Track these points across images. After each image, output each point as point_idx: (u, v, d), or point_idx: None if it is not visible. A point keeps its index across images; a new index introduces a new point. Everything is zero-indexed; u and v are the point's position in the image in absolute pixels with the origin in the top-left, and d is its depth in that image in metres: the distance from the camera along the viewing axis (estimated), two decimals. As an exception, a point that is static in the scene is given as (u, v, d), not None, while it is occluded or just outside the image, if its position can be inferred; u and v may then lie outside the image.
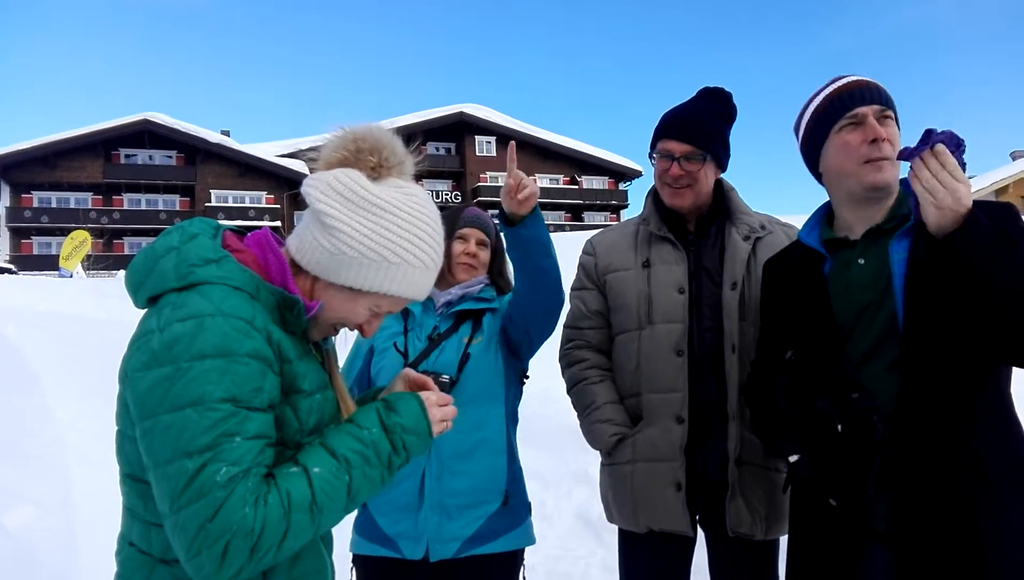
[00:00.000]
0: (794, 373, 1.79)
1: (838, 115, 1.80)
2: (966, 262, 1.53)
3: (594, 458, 2.47)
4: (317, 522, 1.19)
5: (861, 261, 1.79)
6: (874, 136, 1.74)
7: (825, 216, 1.94)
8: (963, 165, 1.54)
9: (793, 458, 1.84)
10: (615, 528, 2.45)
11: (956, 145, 1.54)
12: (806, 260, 1.89)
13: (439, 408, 1.39)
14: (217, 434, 1.11)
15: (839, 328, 1.78)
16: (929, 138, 1.55)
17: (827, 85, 1.86)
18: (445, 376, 2.18)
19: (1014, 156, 29.43)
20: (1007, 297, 1.51)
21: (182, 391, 1.12)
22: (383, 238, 1.28)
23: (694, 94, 2.37)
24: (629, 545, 2.39)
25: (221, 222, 1.39)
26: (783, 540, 2.32)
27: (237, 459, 1.12)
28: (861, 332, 1.76)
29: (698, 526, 2.31)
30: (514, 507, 2.27)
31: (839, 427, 1.69)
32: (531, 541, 2.31)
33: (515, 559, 2.28)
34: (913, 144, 1.59)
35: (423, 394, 1.40)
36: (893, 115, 1.80)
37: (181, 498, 1.10)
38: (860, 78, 1.83)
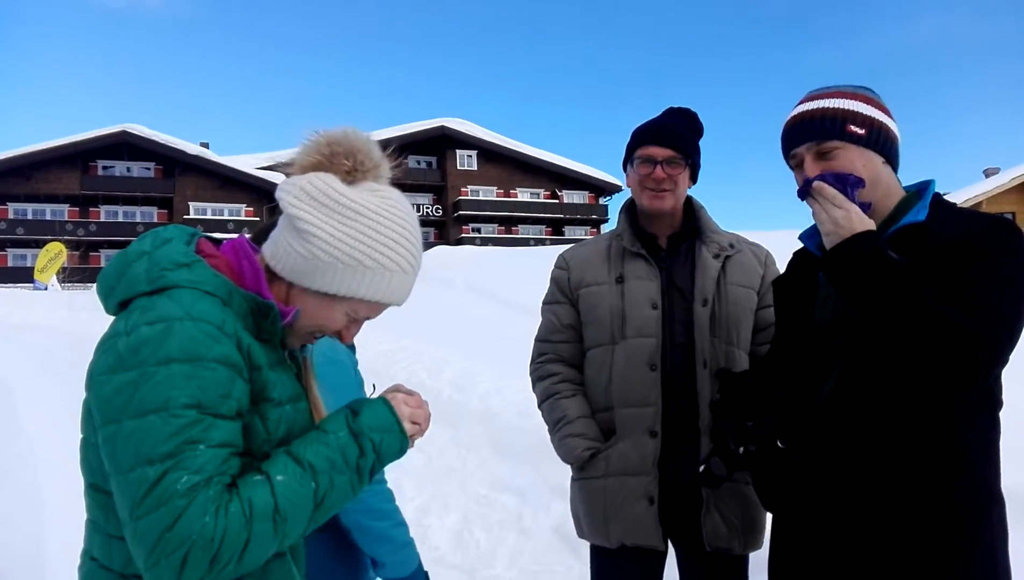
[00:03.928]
0: (723, 390, 1.96)
1: (785, 155, 1.82)
2: (833, 281, 1.65)
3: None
4: (281, 532, 1.16)
5: None
6: (809, 178, 1.76)
7: None
8: (852, 197, 1.67)
9: (702, 467, 2.04)
10: (590, 543, 2.44)
11: (841, 181, 1.68)
12: (806, 263, 1.91)
13: (409, 408, 1.34)
14: (180, 441, 1.09)
15: (811, 338, 1.80)
16: (811, 179, 1.72)
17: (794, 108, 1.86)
18: None
19: (987, 173, 29.93)
20: (886, 319, 1.55)
21: (146, 396, 1.10)
22: (357, 242, 1.26)
23: (661, 112, 2.45)
24: (601, 561, 2.38)
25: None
26: (752, 556, 2.34)
27: (199, 467, 1.09)
28: (827, 345, 1.77)
29: (668, 542, 2.30)
30: None
31: (740, 450, 1.92)
32: None
33: None
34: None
35: (388, 394, 1.36)
36: (843, 137, 1.71)
37: (141, 506, 1.07)
38: (799, 110, 1.78)
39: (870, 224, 1.62)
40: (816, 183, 1.68)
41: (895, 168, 1.79)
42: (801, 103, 1.80)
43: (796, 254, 1.99)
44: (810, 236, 1.88)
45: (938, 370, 1.53)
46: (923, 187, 1.80)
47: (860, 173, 1.71)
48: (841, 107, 1.73)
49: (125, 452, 1.10)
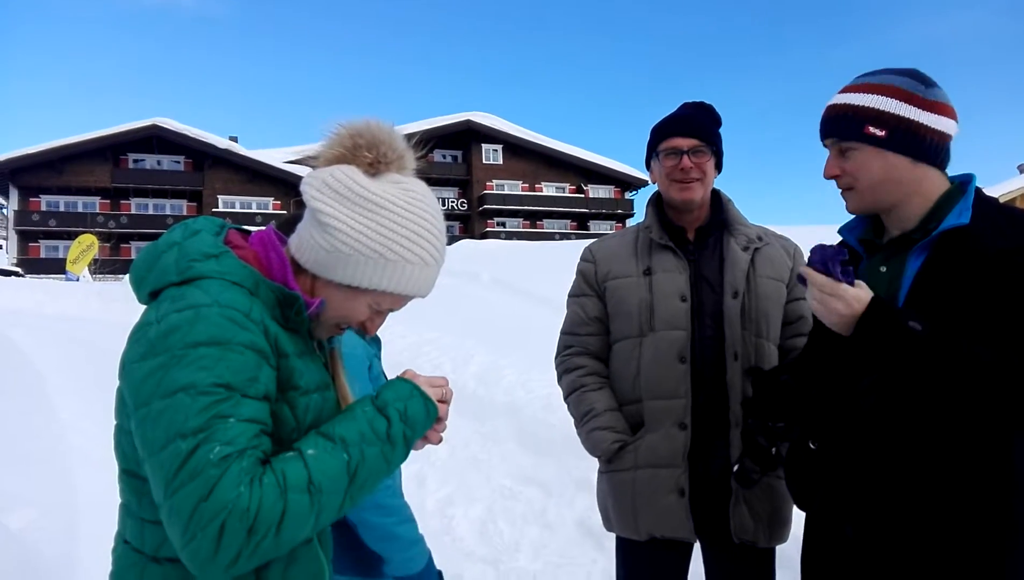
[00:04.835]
0: (754, 388, 1.92)
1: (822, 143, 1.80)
2: (877, 360, 1.60)
3: (596, 465, 2.46)
4: (317, 504, 1.15)
5: (883, 269, 1.74)
6: (826, 176, 1.75)
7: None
8: (842, 272, 1.61)
9: (736, 467, 2.02)
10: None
11: (822, 262, 1.63)
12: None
13: (424, 376, 1.36)
14: (210, 415, 1.10)
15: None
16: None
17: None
18: None
19: (1021, 169, 29.33)
20: (935, 388, 1.53)
21: (175, 377, 1.12)
22: (379, 235, 1.26)
23: (676, 108, 2.44)
24: (628, 553, 2.38)
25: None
26: (779, 549, 2.33)
27: (231, 439, 1.10)
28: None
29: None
30: None
31: (772, 450, 1.90)
32: None
33: None
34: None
35: (404, 372, 1.38)
36: (860, 138, 1.68)
37: (175, 480, 1.08)
38: (831, 101, 1.74)
39: (865, 296, 1.58)
40: (804, 270, 1.65)
41: (937, 164, 1.70)
42: (840, 92, 1.75)
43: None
44: (850, 229, 1.85)
45: (1001, 413, 1.50)
46: (965, 181, 1.72)
47: (875, 175, 1.68)
48: (863, 105, 1.68)
49: (156, 431, 1.11)
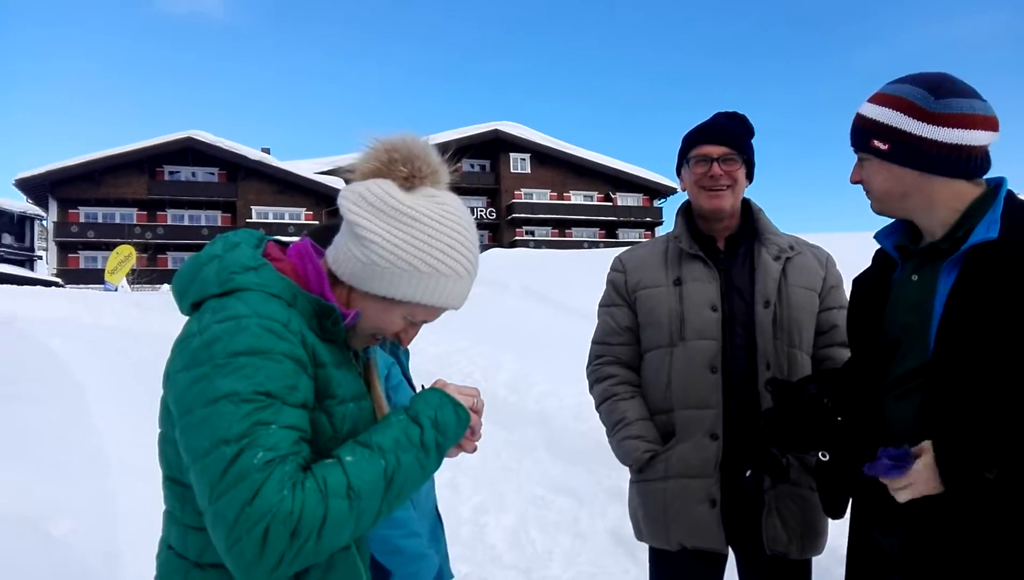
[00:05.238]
0: (774, 399, 1.93)
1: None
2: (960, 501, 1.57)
3: (628, 474, 2.46)
4: (356, 510, 1.18)
5: (915, 277, 1.71)
6: (850, 181, 1.79)
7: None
8: (895, 467, 1.56)
9: (748, 473, 2.03)
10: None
11: (885, 467, 1.57)
12: (882, 263, 1.86)
13: (453, 385, 1.39)
14: (252, 422, 1.14)
15: (882, 344, 1.74)
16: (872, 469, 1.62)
17: None
18: None
19: (1062, 172, 28.73)
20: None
21: (218, 386, 1.15)
22: (413, 248, 1.29)
23: (710, 116, 2.44)
24: (660, 563, 2.37)
25: (262, 236, 1.42)
26: (815, 561, 2.30)
27: (274, 445, 1.14)
28: (901, 353, 1.71)
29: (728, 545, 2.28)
30: None
31: (784, 460, 1.93)
32: None
33: None
34: None
35: (434, 382, 1.41)
36: (867, 150, 1.70)
37: (220, 484, 1.11)
38: (857, 112, 1.74)
39: (926, 456, 1.55)
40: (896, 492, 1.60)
41: (957, 174, 1.64)
42: (866, 100, 1.74)
43: (876, 253, 1.91)
44: (886, 235, 1.82)
45: None
46: (997, 185, 1.67)
47: (882, 187, 1.70)
48: (871, 117, 1.69)
49: (200, 438, 1.15)
